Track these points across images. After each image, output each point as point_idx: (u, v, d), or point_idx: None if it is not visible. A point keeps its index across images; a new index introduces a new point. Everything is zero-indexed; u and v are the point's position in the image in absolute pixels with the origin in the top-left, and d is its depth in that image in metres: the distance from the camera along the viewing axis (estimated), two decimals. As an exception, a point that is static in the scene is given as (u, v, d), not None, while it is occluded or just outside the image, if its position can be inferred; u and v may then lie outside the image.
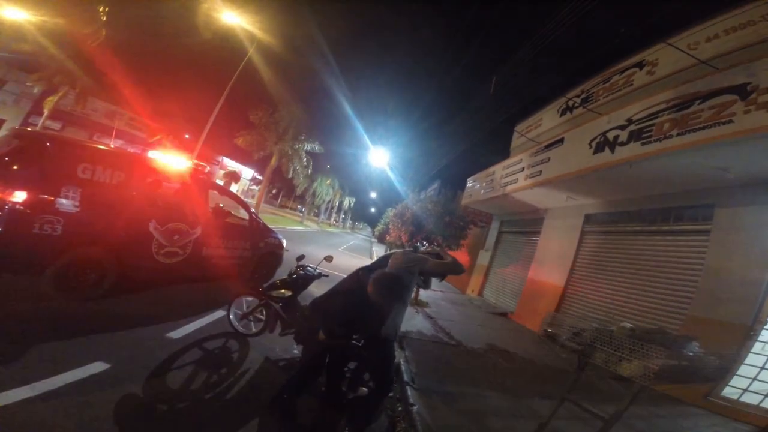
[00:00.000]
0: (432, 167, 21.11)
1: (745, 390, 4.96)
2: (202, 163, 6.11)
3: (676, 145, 5.21)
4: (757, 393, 4.90)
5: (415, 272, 2.95)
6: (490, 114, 12.81)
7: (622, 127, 6.25)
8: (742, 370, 4.95)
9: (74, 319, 3.69)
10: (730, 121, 4.63)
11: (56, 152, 4.06)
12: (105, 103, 24.56)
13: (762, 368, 4.90)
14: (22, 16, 13.35)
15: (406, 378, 4.14)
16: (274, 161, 25.23)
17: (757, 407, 4.84)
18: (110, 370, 2.93)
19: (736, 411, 4.87)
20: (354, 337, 3.70)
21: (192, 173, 5.56)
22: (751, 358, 4.94)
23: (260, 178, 36.45)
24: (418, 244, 9.75)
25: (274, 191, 56.89)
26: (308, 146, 26.74)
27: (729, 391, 5.04)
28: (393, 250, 3.39)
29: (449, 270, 3.01)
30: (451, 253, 3.47)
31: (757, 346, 4.94)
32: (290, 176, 27.90)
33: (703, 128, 4.90)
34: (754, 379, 4.92)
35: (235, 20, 15.31)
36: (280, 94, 24.30)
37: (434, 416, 3.39)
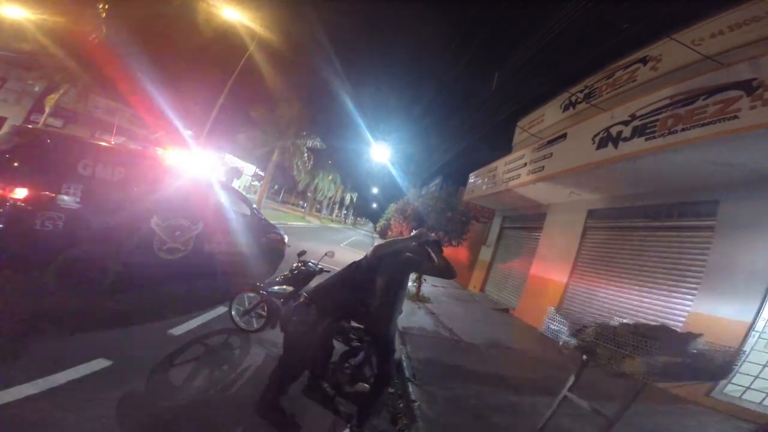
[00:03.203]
0: (434, 163, 21.07)
1: (748, 388, 4.94)
2: (204, 159, 6.09)
3: (681, 141, 5.16)
4: (760, 391, 4.89)
5: (409, 272, 2.99)
6: (493, 109, 12.76)
7: (625, 123, 6.20)
8: (745, 367, 4.92)
9: (76, 316, 3.70)
10: (736, 117, 4.57)
11: (57, 149, 4.06)
12: (106, 100, 24.55)
13: (765, 366, 4.88)
14: (22, 15, 13.33)
15: (407, 374, 4.14)
16: (275, 157, 25.22)
17: (760, 405, 4.82)
18: (112, 366, 2.94)
19: (739, 409, 4.86)
20: (354, 334, 3.71)
21: (193, 169, 5.55)
22: (754, 356, 4.92)
23: (262, 174, 36.45)
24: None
25: (276, 187, 56.87)
26: (310, 142, 26.70)
27: (731, 389, 5.03)
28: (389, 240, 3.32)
29: (439, 275, 3.01)
30: (450, 250, 3.44)
31: (760, 344, 4.92)
32: (294, 173, 27.88)
33: (708, 124, 4.85)
34: (757, 376, 4.90)
35: (236, 16, 15.26)
36: (282, 91, 24.27)
37: (435, 412, 3.39)
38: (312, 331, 2.88)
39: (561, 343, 2.93)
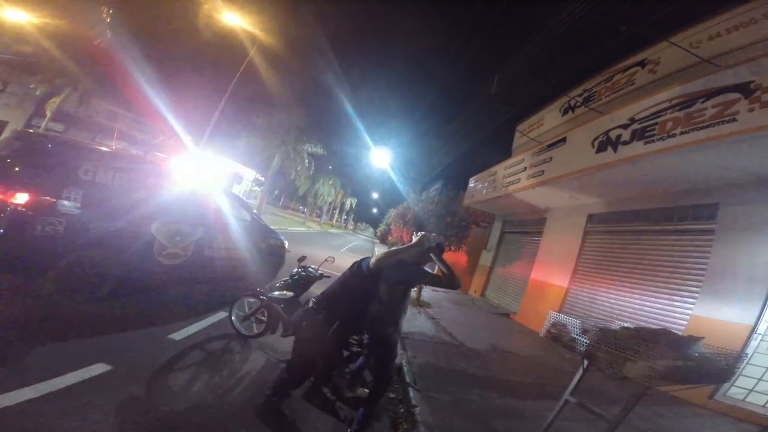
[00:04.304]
0: (434, 168, 21.14)
1: (751, 390, 4.92)
2: (203, 164, 6.09)
3: (680, 144, 5.17)
4: (763, 393, 4.86)
5: (417, 281, 2.98)
6: (492, 114, 12.81)
7: (624, 126, 6.22)
8: (748, 370, 4.91)
9: (76, 321, 3.69)
10: (734, 120, 4.59)
11: (58, 154, 4.07)
12: (108, 104, 24.65)
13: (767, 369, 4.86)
14: (24, 18, 13.39)
15: (408, 379, 4.12)
16: (276, 162, 25.28)
17: (763, 408, 4.80)
18: (112, 371, 2.93)
19: (742, 411, 4.83)
20: (354, 339, 3.70)
21: (193, 174, 5.56)
22: (756, 359, 4.90)
23: (262, 179, 36.48)
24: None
25: (276, 192, 56.92)
26: (311, 148, 26.76)
27: (734, 392, 5.00)
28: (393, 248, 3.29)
29: (443, 286, 2.96)
30: (451, 255, 3.41)
31: (762, 346, 4.90)
32: (292, 177, 27.93)
33: (707, 127, 4.86)
34: (760, 379, 4.88)
35: (237, 22, 15.35)
36: (283, 96, 24.33)
37: (436, 417, 3.37)
38: (322, 336, 2.88)
39: (562, 347, 2.92)
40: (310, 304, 3.00)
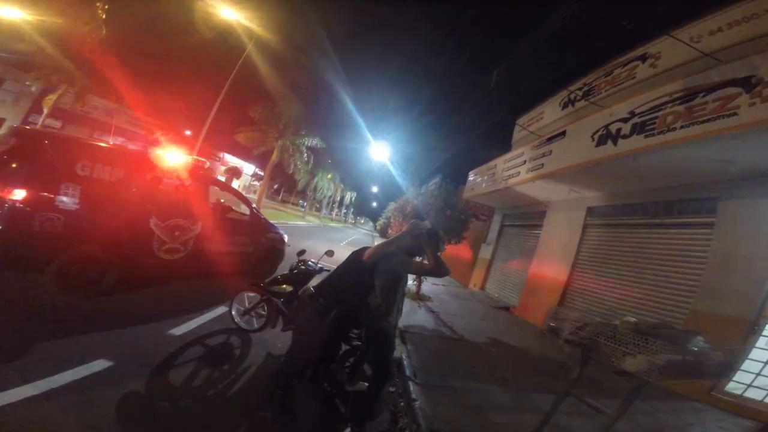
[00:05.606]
0: (433, 161, 21.12)
1: (749, 385, 4.94)
2: (202, 159, 6.08)
3: (680, 138, 5.16)
4: (761, 388, 4.89)
5: (403, 271, 2.95)
6: (492, 108, 12.77)
7: (624, 120, 6.19)
8: (746, 365, 4.92)
9: (76, 317, 3.70)
10: (735, 114, 4.57)
11: (55, 150, 4.05)
12: (104, 100, 24.54)
13: (766, 364, 4.88)
14: (19, 16, 13.30)
15: (408, 373, 4.13)
16: (275, 157, 25.22)
17: (761, 402, 4.82)
18: (112, 367, 2.94)
19: (740, 406, 4.86)
20: (354, 333, 3.71)
21: (192, 169, 5.54)
22: (755, 353, 4.91)
23: (261, 173, 36.42)
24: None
25: (275, 187, 56.84)
26: (309, 141, 26.66)
27: (732, 386, 5.02)
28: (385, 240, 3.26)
29: (428, 275, 2.92)
30: (450, 248, 3.37)
31: (761, 341, 4.91)
32: (291, 171, 27.86)
33: (707, 121, 4.84)
34: (758, 374, 4.90)
35: (234, 16, 15.23)
36: (280, 90, 24.17)
37: (437, 411, 3.39)
38: (320, 322, 2.89)
39: (562, 340, 2.93)
40: (311, 290, 3.02)
